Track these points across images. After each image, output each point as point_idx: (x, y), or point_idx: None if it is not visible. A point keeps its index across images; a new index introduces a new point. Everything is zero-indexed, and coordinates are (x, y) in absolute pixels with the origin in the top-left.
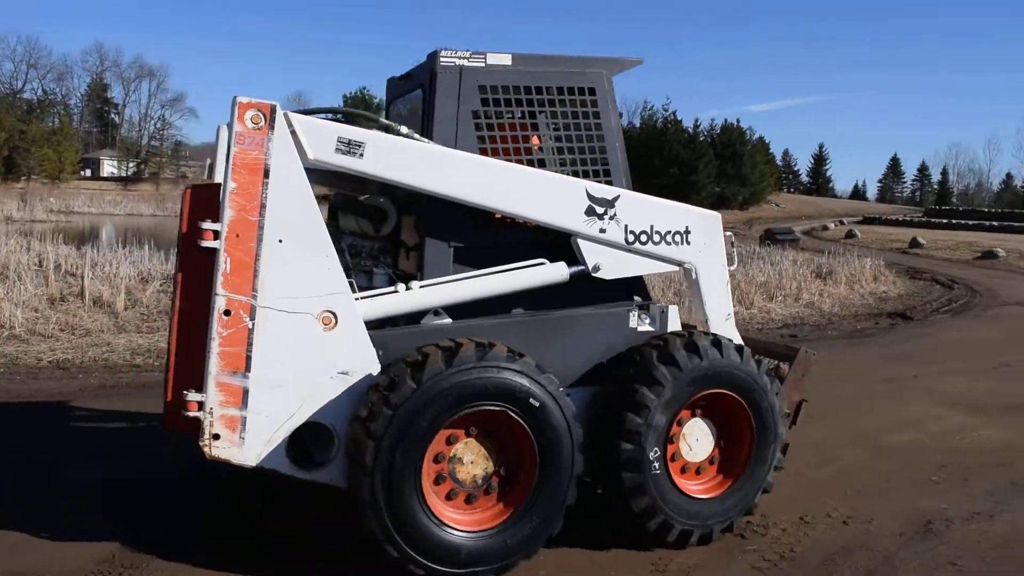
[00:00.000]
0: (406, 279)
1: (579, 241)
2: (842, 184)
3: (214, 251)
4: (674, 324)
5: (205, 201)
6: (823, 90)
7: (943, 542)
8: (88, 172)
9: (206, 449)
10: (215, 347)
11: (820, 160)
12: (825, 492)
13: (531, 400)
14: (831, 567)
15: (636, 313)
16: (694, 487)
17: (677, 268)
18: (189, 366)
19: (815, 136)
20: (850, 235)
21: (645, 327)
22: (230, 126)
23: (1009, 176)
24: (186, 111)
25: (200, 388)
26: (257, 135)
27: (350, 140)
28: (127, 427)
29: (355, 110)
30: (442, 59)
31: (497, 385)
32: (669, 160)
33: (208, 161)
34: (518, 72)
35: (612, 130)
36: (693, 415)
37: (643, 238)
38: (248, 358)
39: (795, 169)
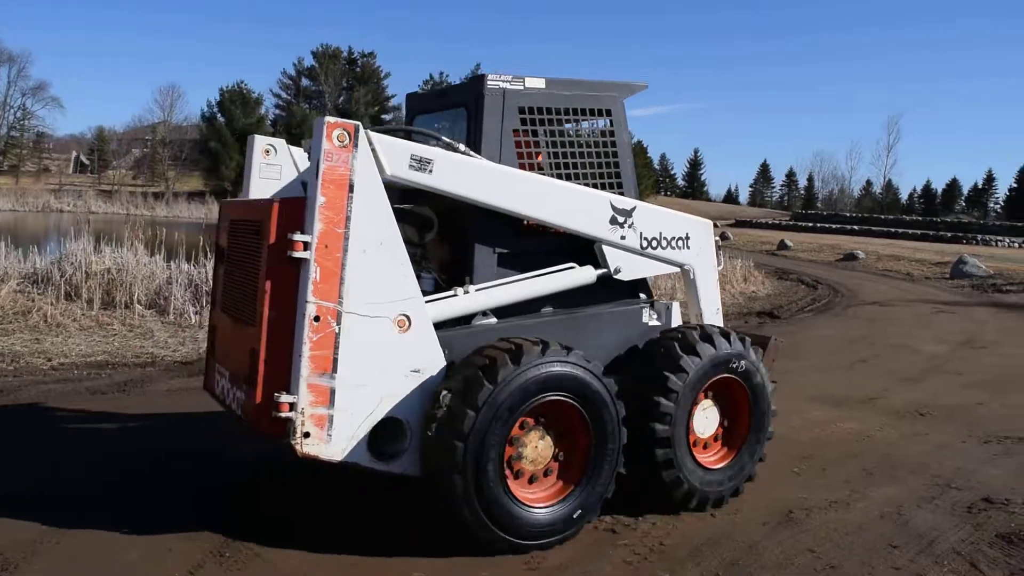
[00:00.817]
0: (448, 284)
1: (603, 247)
2: (716, 188)
3: (302, 261)
4: (677, 319)
5: (292, 214)
6: (698, 98)
7: (803, 530)
8: None
9: (297, 447)
10: (306, 351)
11: (695, 165)
12: None
13: (585, 387)
14: (698, 558)
15: (648, 310)
16: (706, 459)
17: (678, 269)
18: (278, 370)
19: (690, 142)
20: (723, 237)
21: (655, 322)
22: (313, 144)
23: (868, 183)
24: (50, 101)
25: (290, 390)
26: (343, 152)
27: (421, 157)
28: None
29: (420, 129)
30: (489, 83)
31: (558, 377)
32: None
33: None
34: (550, 95)
35: (624, 146)
36: (706, 397)
37: (654, 243)
38: (335, 360)
39: (671, 173)
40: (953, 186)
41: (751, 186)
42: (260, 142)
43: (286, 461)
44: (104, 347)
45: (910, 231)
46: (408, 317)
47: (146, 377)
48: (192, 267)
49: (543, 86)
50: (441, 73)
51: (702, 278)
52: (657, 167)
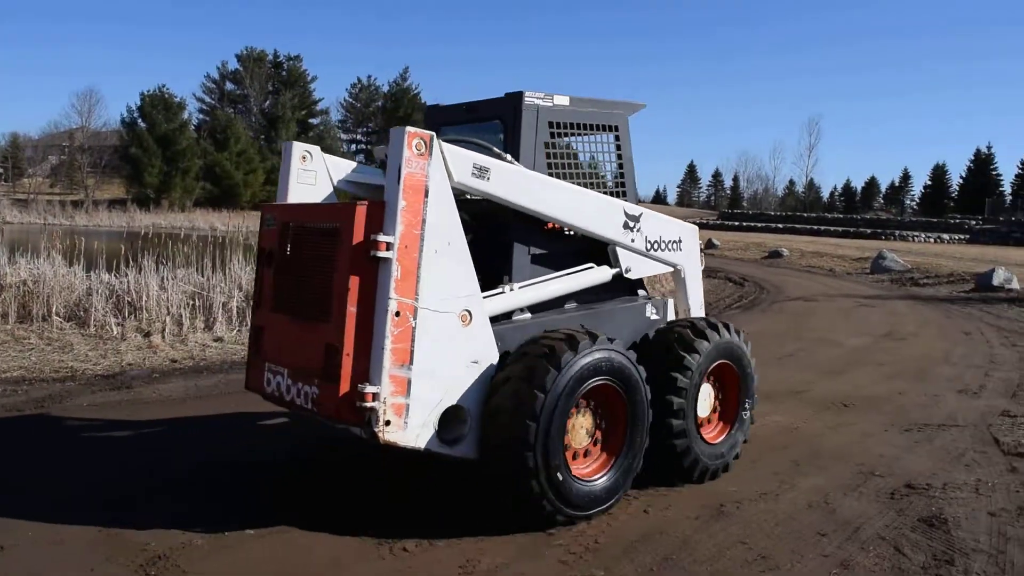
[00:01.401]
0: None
1: (616, 249)
2: (644, 188)
3: (383, 261)
4: (671, 313)
5: (375, 217)
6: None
7: (734, 522)
8: None
9: (380, 435)
10: (388, 344)
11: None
12: None
13: (625, 372)
14: (632, 554)
15: (649, 305)
16: (707, 435)
17: (671, 269)
18: (359, 363)
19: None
20: (709, 244)
21: (655, 316)
22: (392, 152)
23: (791, 182)
24: None
25: (372, 381)
26: (420, 160)
27: (481, 166)
28: None
29: (476, 140)
30: (526, 99)
31: (607, 363)
32: None
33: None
34: (573, 111)
35: (628, 159)
36: (705, 380)
37: (656, 246)
38: (412, 353)
39: (601, 176)
40: (872, 184)
41: (679, 186)
42: (298, 148)
43: (280, 460)
44: (20, 362)
45: (832, 228)
46: (470, 312)
47: (66, 392)
48: (114, 277)
49: (568, 103)
50: (369, 77)
51: (690, 277)
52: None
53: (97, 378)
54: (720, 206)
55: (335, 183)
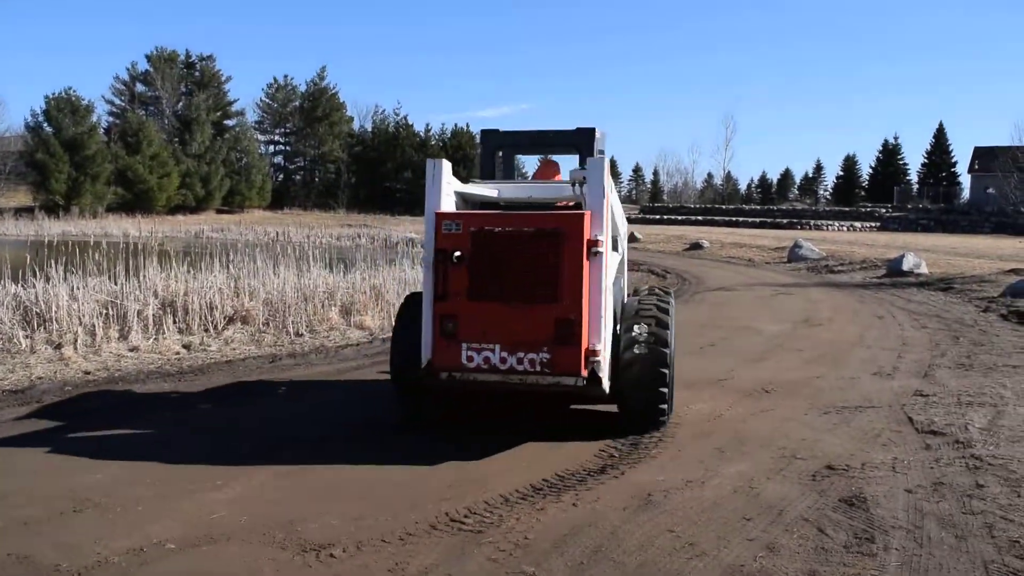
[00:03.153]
0: None
1: (620, 240)
2: None
3: (599, 253)
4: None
5: (593, 223)
6: (541, 98)
7: (662, 511)
8: None
9: (603, 383)
10: (606, 314)
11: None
12: (555, 477)
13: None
14: (562, 548)
15: (622, 280)
16: None
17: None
18: (589, 329)
19: None
20: (632, 238)
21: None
22: (594, 173)
23: (710, 175)
24: None
25: (597, 343)
26: (610, 181)
27: (609, 185)
28: None
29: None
30: (597, 133)
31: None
32: (402, 164)
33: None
34: (601, 138)
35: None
36: None
37: (626, 239)
38: (608, 320)
39: (524, 171)
40: (787, 175)
41: None
42: (447, 165)
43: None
44: None
45: (750, 219)
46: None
47: None
48: (20, 288)
49: (600, 134)
50: (286, 76)
51: (625, 263)
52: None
53: (4, 394)
54: (641, 200)
55: (453, 194)
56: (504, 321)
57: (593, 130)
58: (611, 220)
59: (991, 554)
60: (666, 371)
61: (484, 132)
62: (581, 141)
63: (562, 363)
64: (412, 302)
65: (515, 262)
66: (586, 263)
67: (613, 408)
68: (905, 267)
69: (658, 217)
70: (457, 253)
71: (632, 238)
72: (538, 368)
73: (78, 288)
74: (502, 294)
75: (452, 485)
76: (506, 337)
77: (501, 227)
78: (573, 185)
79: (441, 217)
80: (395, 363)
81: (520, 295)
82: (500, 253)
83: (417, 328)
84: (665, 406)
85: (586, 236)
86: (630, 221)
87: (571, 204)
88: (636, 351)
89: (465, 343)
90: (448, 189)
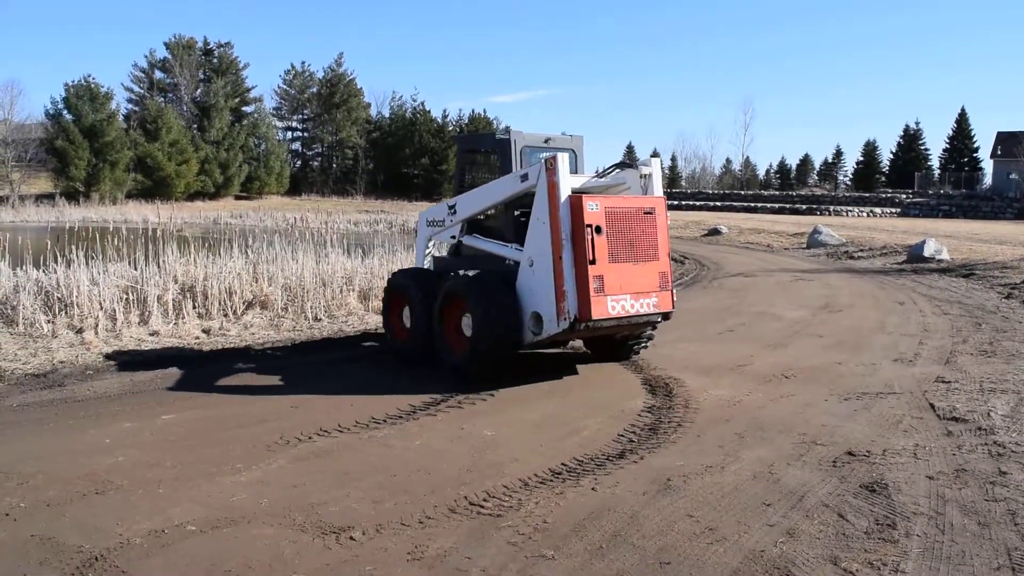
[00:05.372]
0: None
1: None
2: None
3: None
4: None
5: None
6: (559, 84)
7: (681, 496)
8: None
9: (672, 312)
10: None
11: None
12: (573, 461)
13: None
14: (581, 533)
15: None
16: None
17: None
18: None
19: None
20: None
21: None
22: (656, 171)
23: (728, 161)
24: None
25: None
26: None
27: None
28: None
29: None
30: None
31: None
32: (420, 150)
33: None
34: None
35: None
36: None
37: None
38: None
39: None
40: (806, 161)
41: None
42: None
43: None
44: None
45: (768, 205)
46: None
47: None
48: (42, 273)
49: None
50: (303, 63)
51: None
52: None
53: (27, 377)
54: None
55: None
56: (631, 276)
57: (581, 137)
58: None
59: (1015, 541)
60: None
61: (512, 131)
62: (576, 145)
63: (663, 304)
64: (493, 283)
65: (633, 232)
66: (667, 232)
67: (638, 390)
68: (926, 253)
69: (676, 203)
70: (598, 227)
71: None
72: (650, 309)
73: (99, 273)
74: (629, 256)
75: (471, 469)
76: (632, 288)
77: (623, 206)
78: (641, 178)
79: (584, 199)
80: (495, 335)
81: (639, 256)
82: (624, 225)
83: (512, 303)
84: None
85: (664, 213)
86: None
87: (626, 189)
88: None
89: (610, 297)
90: (574, 180)
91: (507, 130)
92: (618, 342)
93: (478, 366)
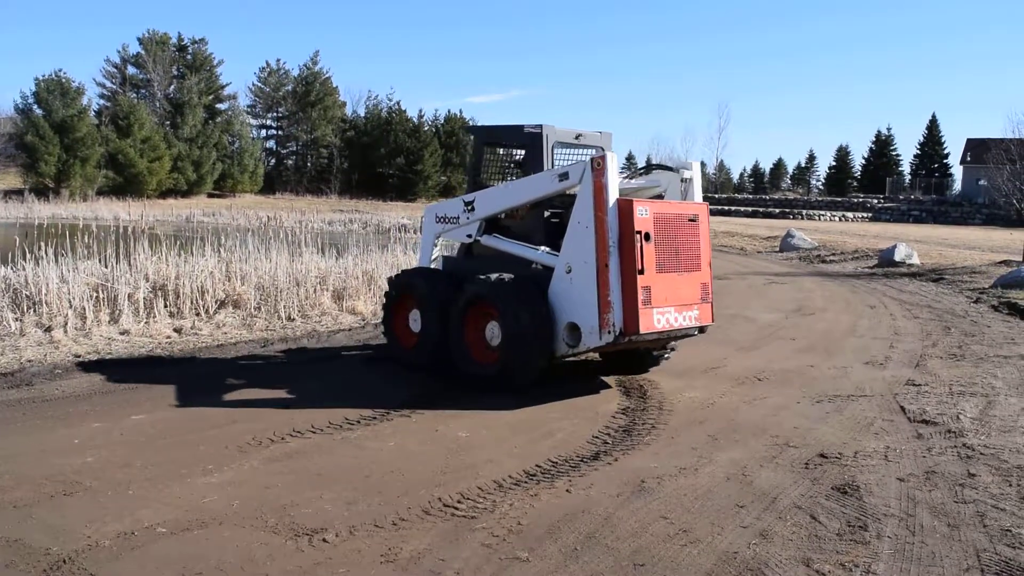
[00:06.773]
0: None
1: None
2: None
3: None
4: None
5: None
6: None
7: (655, 498)
8: None
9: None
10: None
11: None
12: (548, 463)
13: None
14: (556, 534)
15: None
16: None
17: None
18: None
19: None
20: None
21: None
22: (696, 175)
23: (703, 164)
24: None
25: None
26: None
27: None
28: None
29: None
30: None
31: None
32: (395, 149)
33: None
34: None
35: None
36: None
37: None
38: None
39: (518, 159)
40: (779, 166)
41: None
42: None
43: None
44: None
45: (742, 208)
46: None
47: None
48: (10, 270)
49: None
50: (279, 60)
51: None
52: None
53: None
54: None
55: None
56: (676, 287)
57: (610, 134)
58: None
59: (983, 543)
60: None
61: (544, 127)
62: (605, 143)
63: (703, 316)
64: (526, 289)
65: (679, 240)
66: (709, 240)
67: (613, 392)
68: (897, 257)
69: None
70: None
71: None
72: (692, 322)
73: (68, 271)
74: (675, 266)
75: (445, 471)
76: (676, 300)
77: (669, 212)
78: (681, 183)
79: (634, 203)
80: (527, 346)
81: (683, 265)
82: (671, 233)
83: (547, 312)
84: None
85: (706, 220)
86: None
87: (662, 193)
88: None
89: (656, 309)
90: (622, 182)
91: (539, 125)
92: (641, 353)
93: (508, 378)
